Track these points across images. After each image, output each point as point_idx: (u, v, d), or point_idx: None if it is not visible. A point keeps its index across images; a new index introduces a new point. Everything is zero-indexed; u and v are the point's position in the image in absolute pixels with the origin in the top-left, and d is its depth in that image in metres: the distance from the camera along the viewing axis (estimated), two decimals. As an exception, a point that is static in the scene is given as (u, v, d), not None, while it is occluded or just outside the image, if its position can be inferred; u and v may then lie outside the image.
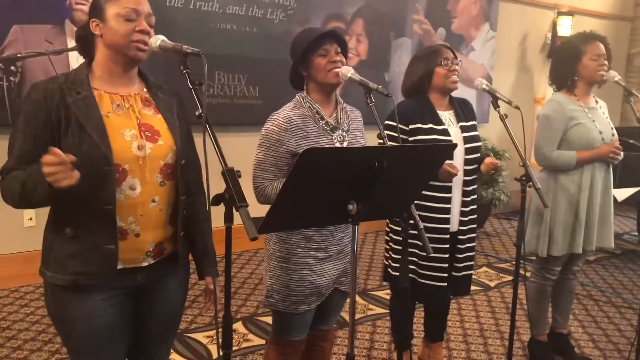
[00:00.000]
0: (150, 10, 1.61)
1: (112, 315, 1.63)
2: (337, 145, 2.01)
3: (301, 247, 2.02)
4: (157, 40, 1.55)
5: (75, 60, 3.87)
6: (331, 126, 2.03)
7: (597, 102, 2.93)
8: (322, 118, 2.02)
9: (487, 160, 2.52)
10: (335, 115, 2.07)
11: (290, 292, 2.04)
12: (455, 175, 2.35)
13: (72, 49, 3.53)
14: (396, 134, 2.38)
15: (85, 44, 1.62)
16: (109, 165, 1.51)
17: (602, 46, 2.81)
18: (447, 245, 2.53)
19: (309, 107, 2.03)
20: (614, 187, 2.96)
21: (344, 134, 2.06)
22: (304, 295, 2.04)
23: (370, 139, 2.44)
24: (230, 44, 4.45)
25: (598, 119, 2.84)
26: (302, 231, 2.01)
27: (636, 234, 5.73)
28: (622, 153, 2.80)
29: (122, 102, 1.60)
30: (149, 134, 1.61)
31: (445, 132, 2.48)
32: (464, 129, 2.55)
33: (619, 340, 3.46)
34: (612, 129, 2.87)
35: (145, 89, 1.69)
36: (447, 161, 2.31)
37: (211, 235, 1.81)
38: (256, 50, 4.58)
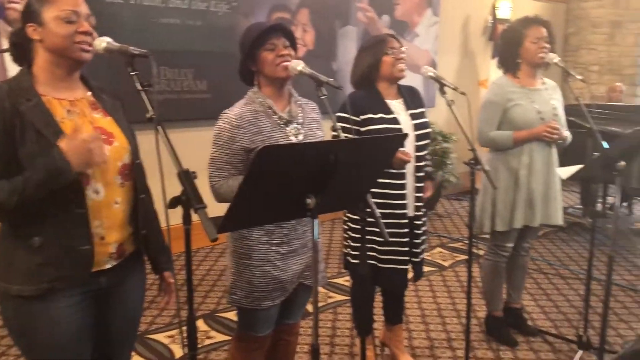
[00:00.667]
0: (89, 10, 1.58)
1: (76, 321, 1.61)
2: (292, 138, 2.02)
3: (262, 243, 2.02)
4: (103, 42, 1.52)
5: (11, 60, 3.72)
6: (284, 120, 2.03)
7: (544, 83, 3.03)
8: (275, 113, 2.02)
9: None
10: (288, 108, 2.07)
11: (253, 288, 2.04)
12: (408, 162, 2.40)
13: (5, 50, 3.40)
14: (349, 125, 2.41)
15: (21, 50, 1.57)
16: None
17: (543, 30, 2.91)
18: (406, 230, 2.60)
19: (260, 102, 2.03)
20: (558, 166, 3.07)
21: (299, 126, 2.06)
22: (267, 290, 2.04)
23: (324, 131, 2.46)
24: (174, 38, 4.37)
25: (539, 100, 2.94)
26: (263, 227, 2.01)
27: (580, 207, 5.98)
28: (561, 133, 2.88)
29: (71, 107, 1.58)
30: (104, 137, 1.59)
31: (395, 121, 2.52)
32: (413, 117, 2.60)
33: (569, 310, 3.63)
34: (554, 109, 2.97)
35: (89, 93, 1.67)
36: (400, 149, 2.35)
37: (162, 231, 1.82)
38: (201, 44, 4.51)
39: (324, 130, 2.20)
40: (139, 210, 1.68)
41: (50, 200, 1.49)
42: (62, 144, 1.43)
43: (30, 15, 1.53)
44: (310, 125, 2.11)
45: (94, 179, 1.55)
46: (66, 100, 1.58)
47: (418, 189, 2.63)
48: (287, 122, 2.03)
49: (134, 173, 1.66)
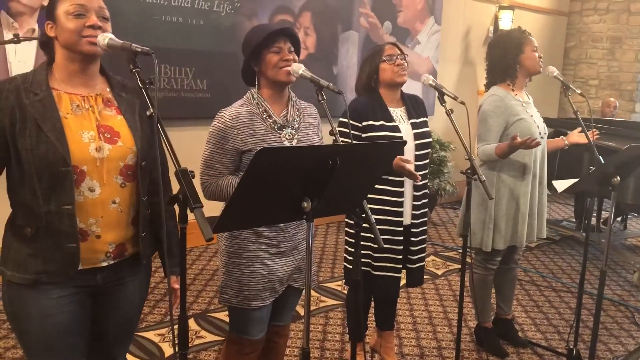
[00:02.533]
0: (102, 3, 1.59)
1: (68, 313, 1.61)
2: (286, 143, 2.01)
3: (252, 242, 2.03)
4: (105, 38, 1.52)
5: (13, 53, 3.72)
6: (279, 125, 2.02)
7: (528, 97, 3.05)
8: (270, 116, 2.01)
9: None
10: (285, 113, 2.06)
11: (243, 287, 2.04)
12: (408, 168, 2.40)
13: (7, 42, 3.40)
14: (348, 130, 2.42)
15: (48, 49, 1.61)
16: (66, 166, 1.50)
17: (535, 41, 2.97)
18: (401, 238, 2.61)
19: (258, 104, 2.02)
20: (554, 178, 3.09)
21: (293, 132, 2.05)
22: (257, 290, 2.04)
23: (323, 135, 2.47)
24: (176, 36, 4.38)
25: (534, 113, 2.96)
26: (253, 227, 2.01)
27: (574, 220, 6.00)
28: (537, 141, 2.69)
29: (82, 102, 1.58)
30: (108, 136, 1.59)
31: (396, 129, 2.53)
32: (414, 126, 2.62)
33: (559, 322, 3.63)
34: (543, 122, 3.02)
35: (108, 89, 1.67)
36: (400, 156, 2.37)
37: (177, 233, 1.80)
38: (203, 43, 4.52)
39: (322, 135, 2.20)
40: (140, 212, 1.68)
41: (42, 192, 1.51)
42: None
43: (48, 12, 1.56)
44: (307, 130, 2.11)
45: (89, 177, 1.55)
46: (78, 96, 1.59)
47: (416, 198, 2.64)
48: (282, 127, 2.03)
49: (139, 175, 1.65)
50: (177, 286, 1.84)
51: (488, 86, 3.04)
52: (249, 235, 2.03)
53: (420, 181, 2.62)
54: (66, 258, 1.56)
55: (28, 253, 1.56)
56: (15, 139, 1.50)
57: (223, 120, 1.99)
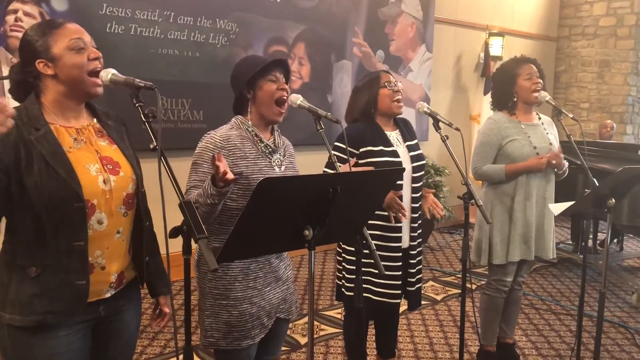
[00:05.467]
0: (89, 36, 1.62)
1: (75, 350, 1.60)
2: (276, 169, 2.01)
3: (239, 281, 1.98)
4: (108, 74, 1.55)
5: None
6: (270, 149, 2.01)
7: (539, 118, 3.10)
8: (262, 141, 2.00)
9: (431, 199, 2.67)
10: (272, 139, 2.07)
11: (232, 329, 1.98)
12: (403, 213, 2.47)
13: (5, 77, 3.43)
14: (345, 157, 2.44)
15: (24, 87, 1.57)
16: (79, 202, 1.49)
17: (533, 66, 3.00)
18: (400, 263, 2.61)
19: (247, 129, 2.01)
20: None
21: (282, 157, 2.06)
22: (246, 329, 1.99)
23: (321, 162, 2.49)
24: (173, 69, 4.44)
25: (535, 135, 2.99)
26: (239, 264, 1.97)
27: (571, 242, 6.01)
28: (560, 161, 2.89)
29: (78, 135, 1.59)
30: (111, 167, 1.61)
31: (395, 154, 2.57)
32: (410, 149, 2.65)
33: (560, 346, 3.62)
34: (550, 144, 3.02)
35: (94, 119, 1.68)
36: (397, 199, 2.43)
37: (160, 254, 1.82)
38: (199, 74, 4.58)
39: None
40: (144, 237, 1.69)
41: (51, 229, 1.49)
42: None
43: (36, 52, 1.53)
44: (290, 159, 2.12)
45: (98, 210, 1.55)
46: (73, 129, 1.59)
47: (413, 220, 2.66)
48: (272, 152, 2.02)
49: (139, 201, 1.67)
50: (167, 308, 1.84)
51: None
52: (236, 274, 1.98)
53: (417, 202, 2.66)
54: (74, 295, 1.54)
55: (32, 293, 1.51)
56: (21, 177, 1.46)
57: (213, 140, 1.95)
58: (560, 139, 3.23)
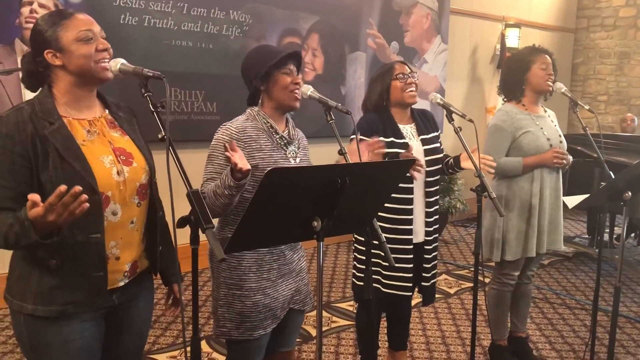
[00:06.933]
0: (99, 27, 1.61)
1: (89, 337, 1.62)
2: (291, 160, 2.01)
3: (253, 272, 1.98)
4: (117, 63, 1.55)
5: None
6: (285, 141, 2.01)
7: (545, 111, 3.06)
8: (277, 132, 2.00)
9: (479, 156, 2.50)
10: (287, 131, 2.06)
11: (245, 319, 1.99)
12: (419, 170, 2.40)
13: (14, 70, 3.46)
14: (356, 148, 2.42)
15: (36, 78, 1.58)
16: (95, 195, 1.50)
17: (549, 58, 2.95)
18: (411, 256, 2.59)
19: (263, 121, 2.00)
20: (564, 194, 3.08)
21: (297, 149, 2.06)
22: (259, 319, 2.00)
23: (331, 153, 2.46)
24: (186, 60, 4.44)
25: (546, 127, 2.96)
26: (253, 255, 1.98)
27: (587, 236, 5.95)
28: (568, 158, 2.91)
29: (90, 127, 1.60)
30: (124, 158, 1.62)
31: (405, 146, 2.54)
32: (425, 142, 2.62)
33: (574, 341, 3.58)
34: (560, 136, 3.00)
35: (106, 110, 1.69)
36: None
37: (172, 243, 1.81)
38: (212, 66, 4.58)
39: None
40: (157, 227, 1.70)
41: (69, 224, 1.49)
42: (33, 213, 1.34)
43: (45, 42, 1.53)
44: (304, 151, 2.11)
45: (112, 201, 1.56)
46: (85, 121, 1.59)
47: (429, 214, 2.63)
48: (287, 143, 2.02)
49: (152, 192, 1.68)
50: (179, 294, 1.86)
51: (503, 101, 3.10)
52: (250, 264, 1.99)
53: (433, 197, 2.63)
54: (93, 287, 1.56)
55: (52, 285, 1.54)
56: (38, 172, 1.47)
57: (229, 132, 1.95)
58: (577, 132, 3.18)
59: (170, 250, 1.82)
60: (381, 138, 2.51)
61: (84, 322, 1.60)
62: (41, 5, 3.78)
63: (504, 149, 2.92)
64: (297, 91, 1.99)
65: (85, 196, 1.31)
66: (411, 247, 2.59)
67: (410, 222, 2.57)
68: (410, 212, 2.56)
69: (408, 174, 2.37)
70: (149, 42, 4.21)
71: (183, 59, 4.42)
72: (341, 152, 1.97)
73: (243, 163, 1.69)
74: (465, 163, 2.61)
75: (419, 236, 2.63)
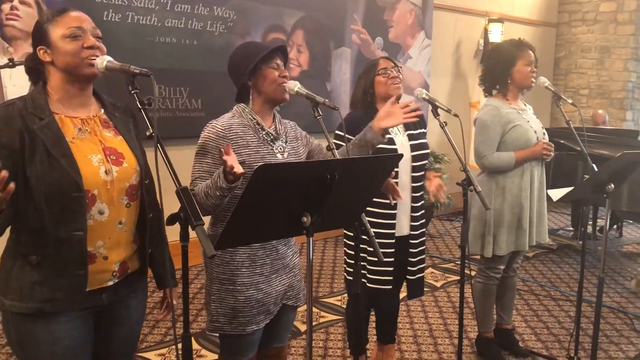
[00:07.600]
0: (94, 24, 1.61)
1: (76, 337, 1.61)
2: (278, 155, 2.01)
3: (246, 267, 1.99)
4: (104, 60, 1.54)
5: (8, 77, 3.74)
6: (272, 136, 2.02)
7: (525, 105, 3.09)
8: (263, 128, 2.00)
9: (438, 183, 2.64)
10: (274, 126, 2.07)
11: (238, 314, 1.99)
12: (399, 198, 2.43)
13: (3, 66, 3.42)
14: (344, 144, 2.43)
15: (36, 74, 1.60)
16: (79, 192, 1.50)
17: (532, 54, 2.97)
18: (393, 250, 2.61)
19: (249, 117, 2.01)
20: (548, 188, 3.12)
21: (284, 144, 2.06)
22: (252, 315, 2.00)
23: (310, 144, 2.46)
24: (170, 57, 4.41)
25: (531, 120, 3.00)
26: (246, 250, 1.98)
27: (570, 229, 6.03)
28: (552, 150, 2.96)
29: (82, 126, 1.59)
30: (114, 157, 1.61)
31: (391, 141, 2.55)
32: (411, 137, 2.64)
33: (559, 331, 3.64)
34: (542, 128, 3.05)
35: (102, 110, 1.68)
36: (394, 182, 2.40)
37: (167, 246, 1.81)
38: (197, 62, 4.56)
39: (312, 141, 2.21)
40: (147, 229, 1.69)
41: (51, 219, 1.49)
42: None
43: (39, 38, 1.56)
44: (292, 144, 2.11)
45: (99, 200, 1.56)
46: (78, 119, 1.59)
47: (414, 209, 2.65)
48: (274, 139, 2.03)
49: (143, 193, 1.67)
50: (174, 302, 1.83)
51: (485, 92, 3.10)
52: (243, 260, 1.99)
53: (419, 191, 2.64)
54: (74, 285, 1.55)
55: (33, 281, 1.53)
56: (24, 165, 1.48)
57: (215, 130, 1.95)
58: (560, 126, 3.23)
59: (164, 253, 1.80)
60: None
61: (72, 321, 1.59)
62: (22, 2, 3.74)
63: (494, 144, 2.93)
64: (284, 84, 1.99)
65: (5, 172, 1.26)
66: (393, 241, 2.60)
67: (393, 216, 2.58)
68: (394, 206, 2.56)
69: (390, 194, 2.41)
70: (132, 39, 4.18)
71: (167, 56, 4.39)
72: (329, 148, 1.98)
73: (237, 167, 1.69)
74: (427, 182, 2.69)
75: (403, 230, 2.64)
